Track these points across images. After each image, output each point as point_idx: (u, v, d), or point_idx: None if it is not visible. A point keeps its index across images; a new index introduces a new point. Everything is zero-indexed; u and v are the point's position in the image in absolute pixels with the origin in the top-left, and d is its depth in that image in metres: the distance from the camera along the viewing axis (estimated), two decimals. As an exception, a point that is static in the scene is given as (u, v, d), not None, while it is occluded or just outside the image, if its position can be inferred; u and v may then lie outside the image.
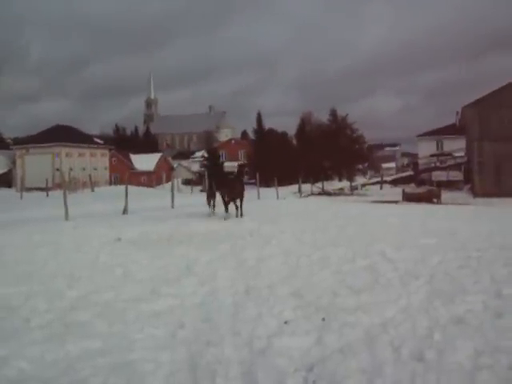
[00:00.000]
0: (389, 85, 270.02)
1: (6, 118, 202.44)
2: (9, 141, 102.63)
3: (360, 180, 66.05)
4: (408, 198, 32.66)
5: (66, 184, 29.65)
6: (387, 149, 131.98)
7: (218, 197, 21.00)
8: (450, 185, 47.40)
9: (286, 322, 6.00)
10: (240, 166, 22.81)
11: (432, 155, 60.62)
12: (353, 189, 52.08)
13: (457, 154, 55.60)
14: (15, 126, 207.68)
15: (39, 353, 5.15)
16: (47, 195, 46.80)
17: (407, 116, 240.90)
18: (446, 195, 34.70)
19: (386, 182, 57.23)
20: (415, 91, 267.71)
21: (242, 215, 19.64)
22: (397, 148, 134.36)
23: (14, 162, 79.01)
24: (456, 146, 57.24)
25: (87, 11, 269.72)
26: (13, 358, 5.02)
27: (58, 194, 34.98)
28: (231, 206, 19.74)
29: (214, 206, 21.45)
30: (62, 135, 73.73)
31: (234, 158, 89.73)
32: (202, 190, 31.11)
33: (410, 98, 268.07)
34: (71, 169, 68.13)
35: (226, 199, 19.97)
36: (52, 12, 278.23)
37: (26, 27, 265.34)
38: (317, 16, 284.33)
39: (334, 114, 75.08)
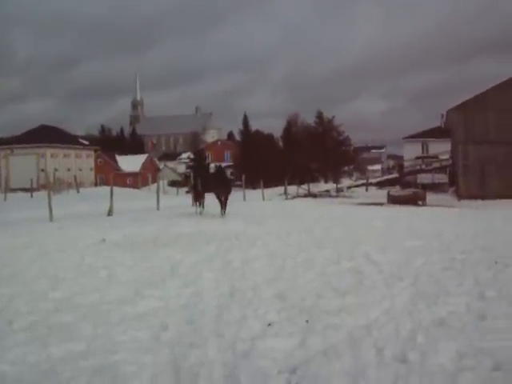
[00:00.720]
0: (375, 87, 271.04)
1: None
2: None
3: (346, 182, 66.23)
4: (393, 200, 32.74)
5: (50, 185, 29.46)
6: (373, 151, 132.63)
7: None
8: (435, 187, 47.60)
9: (269, 324, 6.00)
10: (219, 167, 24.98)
11: (417, 157, 60.90)
12: (339, 191, 52.14)
13: (442, 157, 55.87)
14: (0, 127, 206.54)
15: (21, 355, 5.10)
16: (32, 196, 46.46)
17: (393, 118, 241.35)
18: (431, 197, 34.85)
19: (371, 184, 57.38)
20: (401, 93, 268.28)
21: (224, 213, 20.68)
22: (383, 150, 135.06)
23: (-3, 163, 78.51)
24: (441, 149, 57.46)
25: (74, 10, 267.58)
26: (-6, 360, 4.98)
27: (42, 194, 34.80)
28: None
29: (201, 205, 21.86)
30: (47, 136, 73.35)
31: (220, 160, 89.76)
32: (187, 192, 31.27)
33: (396, 100, 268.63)
34: (56, 169, 67.64)
35: (222, 198, 20.97)
36: (38, 10, 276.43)
37: (11, 26, 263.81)
38: (306, 17, 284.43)
39: (320, 116, 75.38)
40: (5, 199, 42.02)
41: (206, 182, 22.67)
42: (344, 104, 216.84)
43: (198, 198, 22.43)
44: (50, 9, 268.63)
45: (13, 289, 7.84)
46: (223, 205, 21.00)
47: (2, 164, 74.78)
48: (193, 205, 22.86)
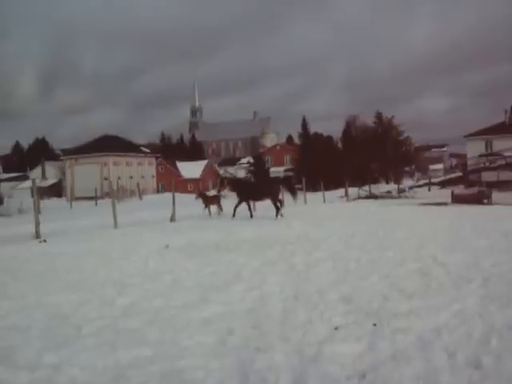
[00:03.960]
0: (437, 84, 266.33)
1: (57, 130, 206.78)
2: (58, 152, 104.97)
3: (407, 182, 65.26)
4: (457, 199, 32.01)
5: (114, 193, 30.10)
6: (434, 150, 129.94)
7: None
8: (501, 185, 46.27)
9: (336, 328, 5.90)
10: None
11: (481, 155, 59.44)
12: (400, 191, 51.39)
13: (507, 154, 54.34)
14: (65, 137, 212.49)
15: (91, 360, 5.17)
16: (96, 204, 47.59)
17: (456, 115, 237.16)
18: (496, 196, 33.88)
19: (434, 183, 56.37)
20: (464, 90, 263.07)
21: (276, 217, 21.10)
22: (444, 149, 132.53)
23: (63, 173, 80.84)
24: (506, 146, 55.90)
25: (138, 23, 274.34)
26: (65, 365, 5.05)
27: (106, 202, 35.58)
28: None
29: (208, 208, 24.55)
30: (110, 145, 75.11)
31: (279, 164, 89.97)
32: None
33: (459, 98, 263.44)
34: (119, 178, 69.20)
35: (277, 200, 21.59)
36: (104, 24, 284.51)
37: (79, 39, 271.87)
38: (363, 17, 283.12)
39: (379, 116, 74.64)
40: (71, 207, 43.16)
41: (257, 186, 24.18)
42: (405, 103, 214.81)
43: (211, 202, 24.97)
44: (115, 22, 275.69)
45: (81, 295, 7.99)
46: (275, 208, 21.41)
47: (67, 174, 77.10)
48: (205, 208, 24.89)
